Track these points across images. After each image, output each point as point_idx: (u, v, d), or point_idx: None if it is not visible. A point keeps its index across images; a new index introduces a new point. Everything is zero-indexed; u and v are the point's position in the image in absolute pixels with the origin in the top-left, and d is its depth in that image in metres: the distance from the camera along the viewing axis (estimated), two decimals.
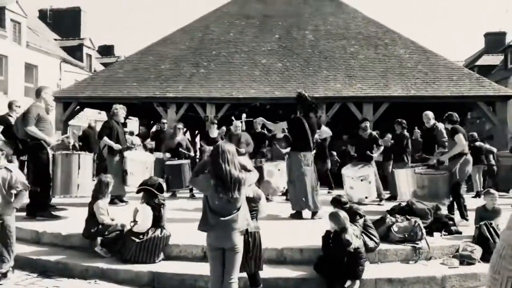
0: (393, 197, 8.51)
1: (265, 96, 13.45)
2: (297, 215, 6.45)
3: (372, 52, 14.93)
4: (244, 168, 3.31)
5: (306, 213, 6.47)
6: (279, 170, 8.27)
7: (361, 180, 7.63)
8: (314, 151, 6.63)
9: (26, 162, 10.03)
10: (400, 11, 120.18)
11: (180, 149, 8.85)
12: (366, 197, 7.68)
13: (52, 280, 4.31)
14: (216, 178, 3.17)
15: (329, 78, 13.91)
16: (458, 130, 6.23)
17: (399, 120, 9.04)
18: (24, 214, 5.95)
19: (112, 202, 7.12)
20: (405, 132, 8.87)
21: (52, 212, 6.06)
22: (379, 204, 7.92)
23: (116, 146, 7.19)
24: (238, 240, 3.21)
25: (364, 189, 7.66)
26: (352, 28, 16.27)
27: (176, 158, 8.73)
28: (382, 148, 8.36)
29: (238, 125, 9.01)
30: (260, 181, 8.41)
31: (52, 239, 5.13)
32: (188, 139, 9.97)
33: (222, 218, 3.17)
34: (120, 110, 7.50)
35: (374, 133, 8.69)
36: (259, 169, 8.61)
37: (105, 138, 7.22)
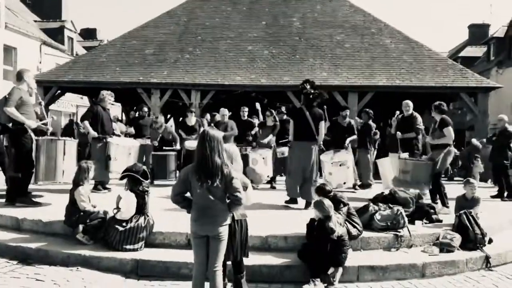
0: (363, 185, 8.79)
1: (251, 83, 13.38)
2: (292, 202, 6.56)
3: (358, 41, 14.94)
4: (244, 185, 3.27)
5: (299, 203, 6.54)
6: (263, 158, 8.30)
7: (340, 165, 7.70)
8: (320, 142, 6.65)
9: (5, 147, 9.83)
10: (387, 0, 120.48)
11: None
12: (344, 183, 7.79)
13: (33, 267, 4.24)
14: (198, 164, 3.14)
15: (315, 67, 13.90)
16: (448, 123, 6.33)
17: (366, 110, 9.42)
18: (3, 200, 5.83)
19: (95, 188, 7.03)
20: (371, 122, 9.21)
21: (33, 199, 5.94)
22: (353, 191, 8.09)
23: (93, 134, 7.04)
24: (223, 228, 3.20)
25: (342, 174, 7.74)
26: (339, 17, 16.23)
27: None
28: (354, 137, 8.53)
29: (225, 113, 8.96)
30: (244, 168, 8.43)
31: (32, 226, 5.04)
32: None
33: (203, 209, 3.15)
34: (107, 96, 7.36)
35: (353, 121, 8.87)
36: (245, 157, 8.63)
37: (86, 123, 7.08)
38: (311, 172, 6.36)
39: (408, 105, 7.84)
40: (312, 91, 6.47)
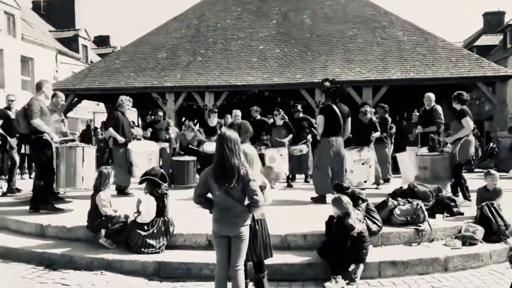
0: (384, 180, 8.67)
1: (263, 83, 13.40)
2: (320, 199, 6.50)
3: (370, 35, 14.81)
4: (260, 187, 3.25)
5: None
6: (281, 155, 8.27)
7: (362, 164, 7.65)
8: (345, 137, 6.71)
9: (26, 156, 10.07)
10: None
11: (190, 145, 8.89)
12: (365, 181, 7.72)
13: (58, 272, 4.34)
14: (216, 166, 3.17)
15: (327, 63, 13.84)
16: (466, 113, 6.20)
17: (381, 104, 9.26)
18: (27, 207, 5.98)
19: (122, 193, 7.18)
20: (387, 116, 9.05)
21: (56, 205, 6.08)
22: (376, 188, 7.99)
23: (120, 139, 7.21)
24: (243, 228, 3.22)
25: (364, 173, 7.68)
26: (349, 11, 16.12)
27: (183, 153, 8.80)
28: (378, 133, 8.40)
29: (238, 114, 8.98)
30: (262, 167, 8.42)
31: (56, 232, 5.15)
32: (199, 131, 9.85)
33: (224, 210, 3.18)
34: (126, 101, 7.49)
35: (374, 118, 8.72)
36: (260, 156, 8.63)
37: (111, 129, 7.23)
38: (341, 167, 6.48)
39: (430, 99, 7.67)
40: (332, 86, 6.52)
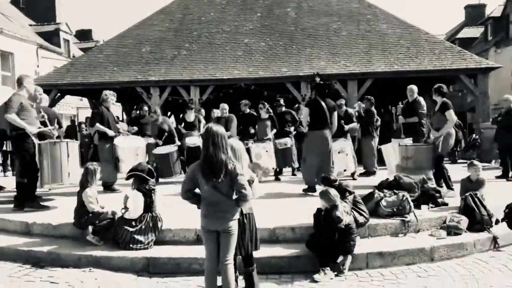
0: (367, 173, 8.82)
1: (249, 76, 13.36)
2: (311, 190, 6.68)
3: (354, 28, 14.88)
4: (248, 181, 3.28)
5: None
6: (266, 151, 8.32)
7: (338, 153, 7.73)
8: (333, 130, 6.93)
9: (9, 153, 9.88)
10: None
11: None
12: (344, 170, 7.84)
13: (46, 270, 4.29)
14: (203, 161, 3.16)
15: (312, 56, 13.87)
16: (449, 106, 6.32)
17: (368, 96, 9.40)
18: (11, 206, 5.87)
19: (109, 189, 7.10)
20: (372, 108, 9.18)
21: (41, 203, 5.98)
22: (353, 179, 8.10)
23: (110, 132, 7.14)
24: (232, 223, 3.23)
25: (342, 162, 7.77)
26: (334, 4, 16.15)
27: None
28: (353, 124, 8.59)
29: (225, 108, 8.98)
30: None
31: (42, 229, 5.08)
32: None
33: (212, 205, 3.18)
34: (110, 96, 7.38)
35: (350, 110, 8.95)
36: (247, 151, 8.64)
37: (98, 125, 7.14)
38: (328, 158, 6.68)
39: (412, 90, 7.79)
40: (322, 82, 6.79)
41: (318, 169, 6.56)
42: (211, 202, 3.20)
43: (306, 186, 6.85)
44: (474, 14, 31.20)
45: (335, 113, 6.86)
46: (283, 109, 9.18)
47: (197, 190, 3.31)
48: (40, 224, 5.12)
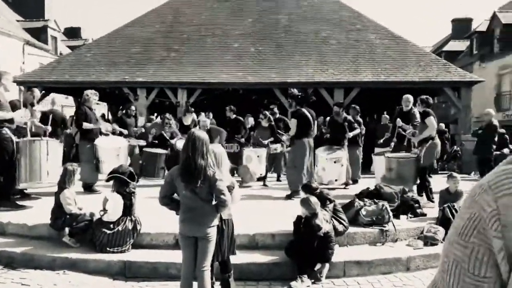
0: (353, 181, 8.79)
1: (237, 81, 13.36)
2: (295, 194, 6.80)
3: (343, 37, 15.02)
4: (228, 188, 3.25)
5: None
6: (258, 156, 8.38)
7: (334, 162, 7.78)
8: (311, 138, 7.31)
9: None
10: None
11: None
12: (336, 180, 7.88)
13: (18, 272, 4.20)
14: (182, 165, 3.15)
15: (301, 63, 13.94)
16: (430, 113, 6.43)
17: (354, 106, 9.48)
18: None
19: (90, 190, 7.01)
20: (358, 117, 9.31)
21: (17, 202, 5.87)
22: (345, 188, 8.12)
23: (97, 126, 7.18)
24: (210, 229, 3.21)
25: (335, 171, 7.82)
26: (325, 13, 16.28)
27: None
28: (358, 130, 8.66)
29: (206, 125, 8.82)
30: (238, 166, 8.49)
31: (17, 229, 4.98)
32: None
33: (190, 211, 3.16)
34: (92, 96, 7.32)
35: (349, 117, 8.88)
36: (238, 154, 8.69)
37: (86, 124, 7.10)
38: (311, 166, 7.26)
39: (409, 100, 7.75)
40: (300, 94, 7.30)
41: (307, 173, 7.00)
42: (190, 207, 3.18)
43: (289, 192, 7.03)
44: (461, 28, 31.78)
45: (316, 122, 7.50)
46: (277, 116, 9.29)
47: (175, 196, 3.28)
48: (15, 224, 5.02)
